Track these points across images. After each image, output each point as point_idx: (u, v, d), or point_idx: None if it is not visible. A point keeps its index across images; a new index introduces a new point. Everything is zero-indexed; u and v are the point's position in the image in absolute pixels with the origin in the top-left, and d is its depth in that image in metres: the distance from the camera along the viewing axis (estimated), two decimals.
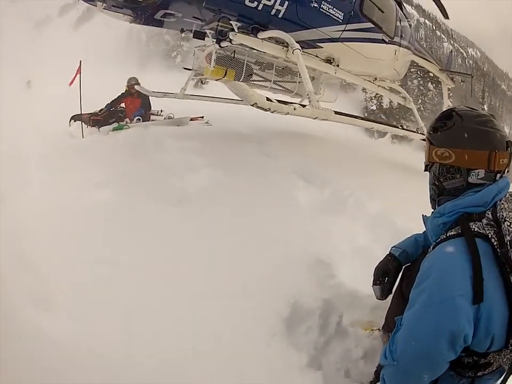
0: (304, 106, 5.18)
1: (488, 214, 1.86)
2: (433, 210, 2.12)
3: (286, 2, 5.14)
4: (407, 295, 1.96)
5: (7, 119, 7.21)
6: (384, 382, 1.94)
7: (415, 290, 1.86)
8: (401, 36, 7.48)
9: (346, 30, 6.11)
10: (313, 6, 5.35)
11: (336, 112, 5.30)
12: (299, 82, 6.77)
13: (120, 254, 3.67)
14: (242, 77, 5.69)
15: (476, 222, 1.84)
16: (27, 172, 5.43)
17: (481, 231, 1.80)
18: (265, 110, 4.57)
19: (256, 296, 3.27)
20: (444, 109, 2.93)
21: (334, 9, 5.79)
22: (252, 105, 4.69)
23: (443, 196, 2.05)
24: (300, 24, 5.45)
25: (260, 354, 2.91)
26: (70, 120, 9.40)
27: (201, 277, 3.44)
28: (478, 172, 1.93)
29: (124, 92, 9.60)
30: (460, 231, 1.84)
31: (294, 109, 4.69)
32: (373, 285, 2.64)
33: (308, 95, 4.93)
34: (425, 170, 2.18)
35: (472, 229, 1.81)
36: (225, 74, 5.63)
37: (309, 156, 6.26)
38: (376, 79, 7.88)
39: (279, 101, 4.68)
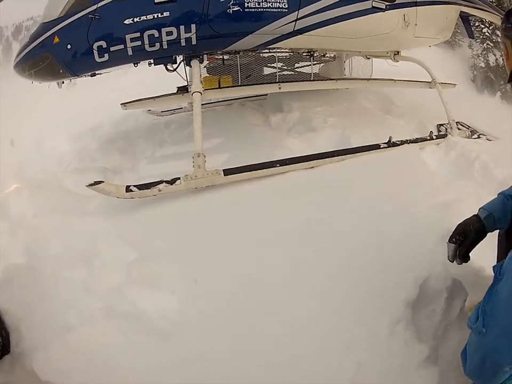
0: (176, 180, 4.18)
1: None
2: None
3: (193, 26, 4.48)
4: None
5: None
6: (465, 353, 1.58)
7: None
8: None
9: (301, 18, 4.83)
10: (233, 10, 4.51)
11: (227, 172, 4.19)
12: (316, 64, 6.21)
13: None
14: (240, 80, 5.44)
15: None
16: None
17: None
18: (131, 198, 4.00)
19: (382, 277, 3.00)
20: None
21: (270, 1, 4.63)
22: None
23: None
24: (226, 35, 4.69)
25: (382, 345, 2.68)
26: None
27: (319, 258, 3.24)
28: None
29: None
30: None
31: (159, 190, 4.00)
32: (448, 241, 2.23)
33: (193, 157, 4.17)
34: None
35: None
36: (220, 86, 5.40)
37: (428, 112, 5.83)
38: (398, 53, 6.27)
39: (140, 186, 3.97)
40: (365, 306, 2.83)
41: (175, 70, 5.05)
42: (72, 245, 3.53)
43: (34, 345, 2.78)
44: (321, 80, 5.45)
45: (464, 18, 7.45)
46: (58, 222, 3.86)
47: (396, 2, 5.43)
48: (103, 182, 3.92)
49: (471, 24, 8.28)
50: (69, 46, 4.38)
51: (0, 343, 2.79)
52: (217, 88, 5.10)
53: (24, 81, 4.76)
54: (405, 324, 2.74)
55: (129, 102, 4.91)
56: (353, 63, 6.78)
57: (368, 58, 6.66)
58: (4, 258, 3.49)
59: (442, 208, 3.64)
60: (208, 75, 5.42)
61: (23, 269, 3.35)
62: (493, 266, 1.68)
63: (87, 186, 3.86)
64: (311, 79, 5.88)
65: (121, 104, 4.91)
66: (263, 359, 2.65)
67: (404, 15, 5.53)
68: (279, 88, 5.12)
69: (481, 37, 18.86)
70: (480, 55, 25.22)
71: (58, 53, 4.45)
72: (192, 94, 4.48)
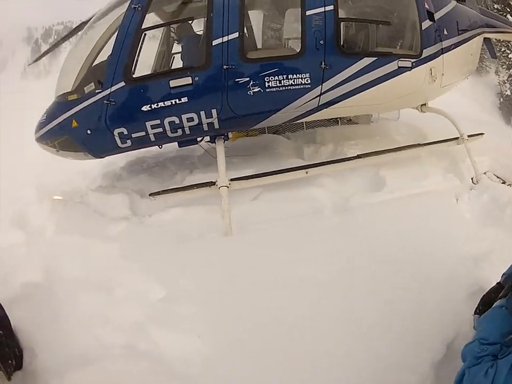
0: None
1: None
2: None
3: (214, 111, 4.42)
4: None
5: None
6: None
7: None
8: (437, 39, 5.24)
9: (326, 92, 4.61)
10: (254, 92, 4.39)
11: None
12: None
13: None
14: (267, 132, 6.17)
15: None
16: None
17: None
18: None
19: (408, 336, 2.89)
20: None
21: (292, 78, 4.47)
22: None
23: None
24: (249, 117, 4.61)
25: None
26: None
27: (340, 311, 3.15)
28: None
29: None
30: None
31: None
32: (473, 313, 2.33)
33: None
34: None
35: None
36: (247, 134, 6.10)
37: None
38: (425, 104, 5.84)
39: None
40: (390, 368, 2.73)
41: (199, 143, 5.01)
42: (92, 269, 3.46)
43: (47, 367, 2.74)
44: (350, 159, 5.00)
45: (486, 39, 7.04)
46: (78, 242, 3.78)
47: (422, 57, 5.07)
48: None
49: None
50: (88, 132, 4.39)
51: (13, 359, 2.75)
52: (244, 178, 4.58)
53: (53, 80, 4.73)
54: None
55: (157, 193, 4.53)
56: None
57: None
58: (20, 273, 3.46)
59: (471, 260, 3.54)
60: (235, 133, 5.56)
61: (39, 288, 3.29)
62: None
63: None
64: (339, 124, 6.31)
65: (149, 194, 4.59)
66: None
67: (431, 69, 5.17)
68: (306, 173, 4.73)
69: (507, 62, 18.56)
70: (506, 81, 24.82)
71: (78, 137, 4.48)
72: (219, 188, 4.30)
